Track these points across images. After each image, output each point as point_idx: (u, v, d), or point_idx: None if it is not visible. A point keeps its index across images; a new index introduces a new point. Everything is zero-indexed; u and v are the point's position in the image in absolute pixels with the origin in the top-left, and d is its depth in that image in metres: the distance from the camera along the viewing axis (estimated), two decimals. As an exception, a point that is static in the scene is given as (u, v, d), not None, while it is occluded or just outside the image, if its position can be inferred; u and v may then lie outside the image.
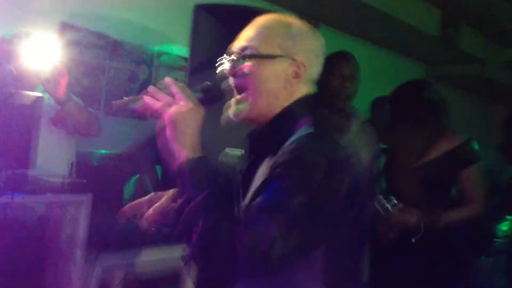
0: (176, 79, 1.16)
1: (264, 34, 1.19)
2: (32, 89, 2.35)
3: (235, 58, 1.18)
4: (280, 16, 1.26)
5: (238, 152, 2.05)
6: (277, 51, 1.17)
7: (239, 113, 1.19)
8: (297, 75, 1.19)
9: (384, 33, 5.04)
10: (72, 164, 2.27)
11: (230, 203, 1.14)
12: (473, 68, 5.84)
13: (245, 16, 2.43)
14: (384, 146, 3.21)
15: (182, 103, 1.08)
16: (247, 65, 1.16)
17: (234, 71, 1.19)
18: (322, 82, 2.38)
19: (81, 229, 1.89)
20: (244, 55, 1.17)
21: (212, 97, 1.18)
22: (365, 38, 5.27)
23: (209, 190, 1.01)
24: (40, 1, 3.05)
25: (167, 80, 1.12)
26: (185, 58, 3.47)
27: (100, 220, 2.09)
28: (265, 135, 1.19)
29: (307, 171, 1.02)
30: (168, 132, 1.06)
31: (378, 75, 5.60)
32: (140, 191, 2.79)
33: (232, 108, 1.19)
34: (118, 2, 3.42)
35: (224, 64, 1.21)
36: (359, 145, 2.44)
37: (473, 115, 7.27)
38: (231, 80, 1.21)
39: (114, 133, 3.39)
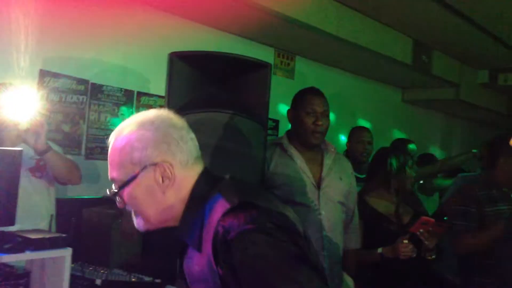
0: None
1: (116, 162, 1.18)
2: (12, 141, 2.38)
3: (112, 194, 1.21)
4: (120, 131, 1.21)
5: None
6: (134, 169, 1.15)
7: (142, 227, 1.21)
8: (166, 174, 1.16)
9: (359, 63, 5.17)
10: (52, 216, 2.28)
11: None
12: (447, 91, 5.99)
13: (217, 62, 2.52)
14: (361, 176, 3.30)
15: None
16: (122, 194, 1.18)
17: (120, 203, 1.21)
18: (296, 119, 2.50)
19: (63, 285, 1.91)
20: (114, 191, 1.19)
21: None
22: (341, 68, 5.40)
23: None
24: (18, 49, 3.09)
25: None
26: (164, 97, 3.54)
27: (81, 273, 2.11)
28: (183, 227, 1.17)
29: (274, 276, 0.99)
30: None
31: (356, 101, 5.73)
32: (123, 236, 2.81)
33: (136, 223, 1.23)
34: (97, 48, 3.49)
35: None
36: (335, 178, 2.50)
37: (450, 135, 7.44)
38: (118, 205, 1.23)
39: (95, 176, 3.42)
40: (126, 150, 1.17)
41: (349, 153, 3.74)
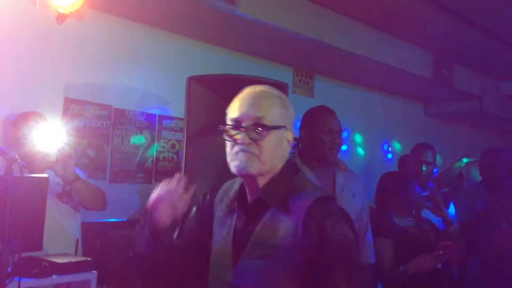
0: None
1: (270, 106, 1.43)
2: (41, 171, 2.44)
3: (249, 125, 1.39)
4: (270, 88, 1.50)
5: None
6: (280, 122, 1.43)
7: (252, 168, 1.38)
8: (288, 142, 1.47)
9: (378, 79, 5.16)
10: (77, 240, 2.34)
11: None
12: (470, 104, 5.91)
13: (235, 84, 2.57)
14: (423, 193, 3.31)
15: None
16: (262, 132, 1.39)
17: (248, 136, 1.38)
18: (311, 138, 2.52)
19: (88, 307, 1.95)
20: (259, 124, 1.39)
21: None
22: (361, 84, 5.40)
23: None
24: (43, 79, 3.20)
25: None
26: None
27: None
28: (272, 188, 1.42)
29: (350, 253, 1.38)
30: None
31: (378, 117, 5.70)
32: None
33: (245, 164, 1.38)
34: (119, 73, 3.58)
35: (232, 130, 1.41)
36: (348, 195, 2.52)
37: (475, 148, 7.29)
38: (244, 141, 1.39)
39: (119, 199, 3.48)
40: (280, 104, 1.45)
41: (411, 168, 3.65)
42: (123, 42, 3.58)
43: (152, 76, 3.76)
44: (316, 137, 2.51)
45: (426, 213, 3.13)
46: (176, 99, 3.71)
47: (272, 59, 4.50)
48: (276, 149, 1.43)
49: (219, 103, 2.73)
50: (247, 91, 1.47)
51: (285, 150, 1.47)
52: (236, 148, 1.39)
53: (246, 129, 1.38)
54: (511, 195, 2.84)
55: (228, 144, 1.43)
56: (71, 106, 3.32)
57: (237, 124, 1.41)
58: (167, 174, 3.82)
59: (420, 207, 2.99)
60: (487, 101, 5.92)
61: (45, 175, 2.20)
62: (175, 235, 1.57)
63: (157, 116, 3.80)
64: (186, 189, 1.45)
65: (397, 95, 5.84)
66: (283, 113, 1.45)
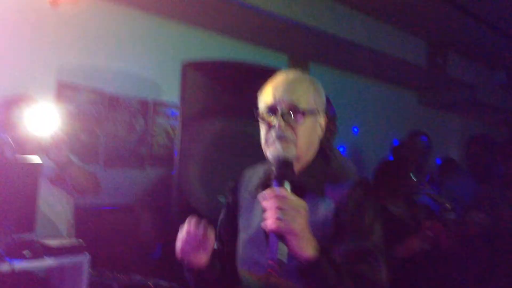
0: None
1: (304, 90, 1.43)
2: (32, 153, 2.42)
3: (285, 110, 1.38)
4: (302, 73, 1.50)
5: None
6: (314, 106, 1.43)
7: (289, 154, 1.36)
8: (321, 127, 1.47)
9: (373, 67, 5.16)
10: (70, 222, 2.33)
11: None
12: (463, 93, 5.93)
13: (230, 70, 2.56)
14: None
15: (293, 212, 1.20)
16: (298, 117, 1.39)
17: (284, 121, 1.38)
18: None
19: (81, 290, 1.95)
20: (295, 109, 1.38)
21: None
22: (356, 72, 5.40)
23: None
24: (36, 63, 3.17)
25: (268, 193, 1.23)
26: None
27: (99, 278, 2.15)
28: (308, 174, 1.42)
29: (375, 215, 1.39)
30: (294, 242, 1.19)
31: (372, 105, 5.71)
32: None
33: (282, 150, 1.36)
34: (112, 59, 3.55)
35: (268, 114, 1.41)
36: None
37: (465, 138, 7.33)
38: (280, 127, 1.38)
39: (113, 185, 3.47)
40: (314, 89, 1.45)
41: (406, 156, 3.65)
42: (117, 27, 3.55)
43: (147, 62, 3.73)
44: None
45: (424, 200, 3.14)
46: (171, 85, 3.69)
47: (267, 46, 4.48)
48: (311, 134, 1.43)
49: (214, 89, 2.75)
50: (281, 77, 1.47)
51: (319, 135, 1.47)
52: (272, 133, 1.39)
53: (282, 114, 1.38)
54: (501, 182, 2.85)
55: (263, 130, 1.43)
56: (64, 90, 3.30)
57: (272, 109, 1.40)
58: (162, 160, 3.83)
59: (416, 193, 3.00)
60: (480, 90, 5.94)
61: (38, 158, 2.18)
62: (215, 245, 1.51)
63: (152, 102, 3.78)
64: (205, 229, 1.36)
65: (391, 83, 5.85)
66: (316, 97, 1.45)
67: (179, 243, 1.36)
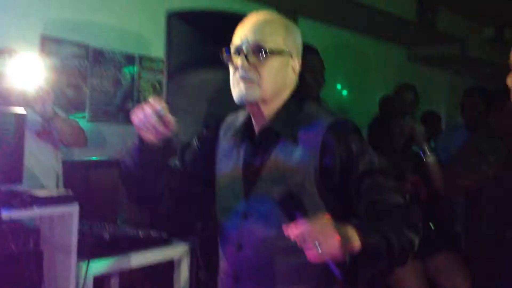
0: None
1: (272, 31, 1.37)
2: (17, 105, 2.39)
3: (249, 50, 1.34)
4: (275, 14, 1.46)
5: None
6: (283, 47, 1.37)
7: (252, 95, 1.34)
8: (294, 70, 1.42)
9: (362, 21, 5.10)
10: (58, 174, 2.33)
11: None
12: (453, 48, 5.90)
13: (217, 20, 2.50)
14: None
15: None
16: (262, 57, 1.34)
17: (248, 62, 1.33)
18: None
19: (71, 240, 1.96)
20: (259, 48, 1.34)
21: None
22: (345, 27, 5.33)
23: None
24: (19, 15, 3.09)
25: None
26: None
27: (89, 228, 2.16)
28: (280, 116, 1.38)
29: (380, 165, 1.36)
30: (342, 251, 1.14)
31: (360, 60, 5.68)
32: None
33: (245, 91, 1.34)
34: (95, 11, 3.46)
35: (234, 56, 1.36)
36: None
37: (456, 93, 7.36)
38: (243, 67, 1.34)
39: (100, 138, 3.46)
40: (284, 29, 1.40)
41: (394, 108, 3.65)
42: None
43: (131, 13, 3.64)
44: (299, 74, 2.49)
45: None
46: (157, 37, 3.61)
47: (254, -1, 4.38)
48: (278, 76, 1.37)
49: (200, 39, 2.69)
50: (251, 17, 1.41)
51: (290, 78, 1.41)
52: (237, 75, 1.35)
53: (246, 54, 1.34)
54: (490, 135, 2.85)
55: (231, 71, 1.39)
56: (48, 44, 3.22)
57: (239, 50, 1.36)
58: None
59: (406, 144, 2.98)
60: (469, 45, 5.92)
61: (22, 109, 2.15)
62: (173, 163, 1.53)
63: (137, 55, 3.71)
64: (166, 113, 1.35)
65: (379, 38, 5.79)
66: (288, 39, 1.39)
67: (139, 112, 1.33)
